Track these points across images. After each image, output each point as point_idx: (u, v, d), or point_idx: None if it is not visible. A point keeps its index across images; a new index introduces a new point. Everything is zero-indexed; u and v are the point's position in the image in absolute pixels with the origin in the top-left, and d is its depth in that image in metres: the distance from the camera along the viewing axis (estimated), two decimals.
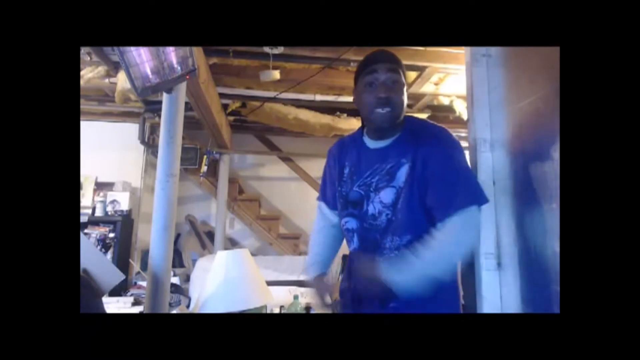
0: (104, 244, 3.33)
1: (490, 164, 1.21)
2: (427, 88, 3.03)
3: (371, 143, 1.16)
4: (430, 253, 0.98)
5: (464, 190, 1.02)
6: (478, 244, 1.07)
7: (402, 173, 1.07)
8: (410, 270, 0.98)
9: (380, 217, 1.08)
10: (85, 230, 3.31)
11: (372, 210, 1.10)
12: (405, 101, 1.11)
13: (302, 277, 1.38)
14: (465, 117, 2.99)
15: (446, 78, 2.98)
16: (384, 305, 1.06)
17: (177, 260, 3.75)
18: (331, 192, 1.26)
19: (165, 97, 1.73)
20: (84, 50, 2.44)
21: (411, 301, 1.00)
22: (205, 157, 3.76)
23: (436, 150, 1.06)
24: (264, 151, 4.44)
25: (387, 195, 1.08)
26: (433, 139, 1.09)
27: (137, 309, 2.50)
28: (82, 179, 3.62)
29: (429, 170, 1.04)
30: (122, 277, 1.40)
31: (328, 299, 1.14)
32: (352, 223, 1.14)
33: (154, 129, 3.67)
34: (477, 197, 1.02)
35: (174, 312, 2.02)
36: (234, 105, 3.40)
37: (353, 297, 1.15)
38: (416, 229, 1.05)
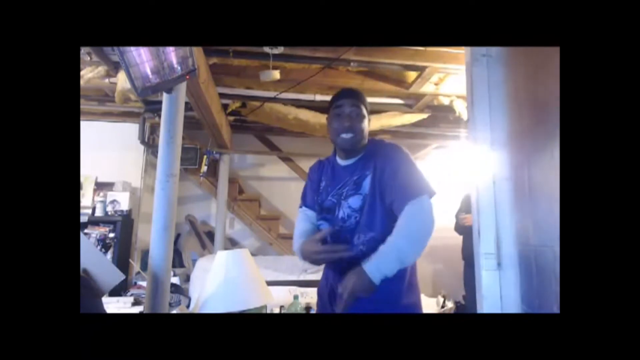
0: (104, 244, 3.32)
1: (490, 164, 1.21)
2: (427, 88, 3.03)
3: (341, 161, 1.39)
4: (392, 239, 1.16)
5: (414, 184, 1.23)
6: (432, 229, 1.19)
7: (367, 182, 1.29)
8: (380, 256, 1.14)
9: (350, 219, 1.29)
10: (85, 230, 3.30)
11: (342, 215, 1.30)
12: (367, 128, 1.35)
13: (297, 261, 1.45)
14: (465, 117, 2.99)
15: (446, 78, 2.98)
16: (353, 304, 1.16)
17: (177, 260, 3.75)
18: (311, 199, 1.46)
19: (165, 97, 1.73)
20: (84, 50, 2.44)
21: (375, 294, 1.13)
22: (205, 157, 3.76)
23: (389, 160, 1.28)
24: (264, 151, 4.44)
25: (355, 201, 1.29)
26: (387, 152, 1.32)
27: (137, 309, 2.50)
28: (82, 179, 3.62)
29: (385, 176, 1.26)
30: (122, 277, 1.40)
31: (318, 246, 1.25)
32: (324, 226, 1.35)
33: (154, 129, 3.67)
34: (425, 189, 1.23)
35: (174, 312, 2.02)
36: (234, 105, 3.40)
37: (330, 291, 1.31)
38: (378, 227, 1.24)
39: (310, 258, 1.25)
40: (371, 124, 1.40)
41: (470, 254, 2.59)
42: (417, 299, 1.31)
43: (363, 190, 1.28)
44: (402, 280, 1.24)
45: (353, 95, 1.36)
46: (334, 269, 1.31)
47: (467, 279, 2.98)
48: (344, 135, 1.31)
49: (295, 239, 1.41)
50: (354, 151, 1.35)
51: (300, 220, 1.46)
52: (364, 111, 1.35)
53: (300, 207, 1.50)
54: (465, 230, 3.01)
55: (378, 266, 1.12)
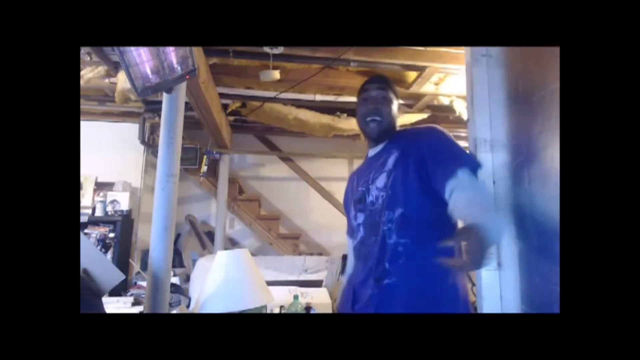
0: (104, 244, 3.32)
1: (490, 164, 1.21)
2: (427, 88, 3.03)
3: (370, 152, 1.34)
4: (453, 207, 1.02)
5: (455, 159, 1.09)
6: (484, 202, 1.03)
7: (392, 160, 1.20)
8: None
9: (377, 201, 1.19)
10: (85, 230, 3.30)
11: (370, 199, 1.22)
12: (395, 113, 1.30)
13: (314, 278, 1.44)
14: (465, 117, 2.99)
15: (446, 78, 2.98)
16: (378, 283, 1.11)
17: (177, 260, 3.74)
18: (350, 222, 1.34)
19: (165, 97, 1.73)
20: (84, 50, 2.43)
21: (404, 277, 1.08)
22: (205, 157, 3.76)
23: (424, 136, 1.21)
24: (264, 151, 4.44)
25: (380, 180, 1.20)
26: (421, 130, 1.27)
27: (137, 309, 2.50)
28: (82, 179, 3.62)
29: (418, 152, 1.15)
30: (122, 277, 1.40)
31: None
32: (360, 217, 1.25)
33: (154, 129, 3.67)
34: (470, 162, 1.10)
35: (174, 312, 2.02)
36: (234, 105, 3.40)
37: (355, 281, 1.23)
38: (407, 203, 1.12)
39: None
40: None
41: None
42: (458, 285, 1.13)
43: (387, 167, 1.20)
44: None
45: (380, 80, 1.33)
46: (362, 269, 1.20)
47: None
48: (369, 120, 1.26)
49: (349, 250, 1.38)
50: (382, 137, 1.28)
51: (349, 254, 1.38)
52: (391, 95, 1.30)
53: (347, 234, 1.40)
54: None
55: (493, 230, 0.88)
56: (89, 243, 1.86)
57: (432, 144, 1.16)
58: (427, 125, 1.28)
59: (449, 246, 1.04)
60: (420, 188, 1.11)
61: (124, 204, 3.56)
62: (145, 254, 3.55)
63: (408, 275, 1.08)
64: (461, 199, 1.00)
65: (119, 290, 2.78)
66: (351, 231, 1.33)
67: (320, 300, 2.18)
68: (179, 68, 1.46)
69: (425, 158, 1.12)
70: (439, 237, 0.93)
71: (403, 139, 1.25)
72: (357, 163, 2.11)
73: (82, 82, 2.69)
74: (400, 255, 1.09)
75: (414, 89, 3.01)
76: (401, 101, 3.41)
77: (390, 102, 1.29)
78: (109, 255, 3.30)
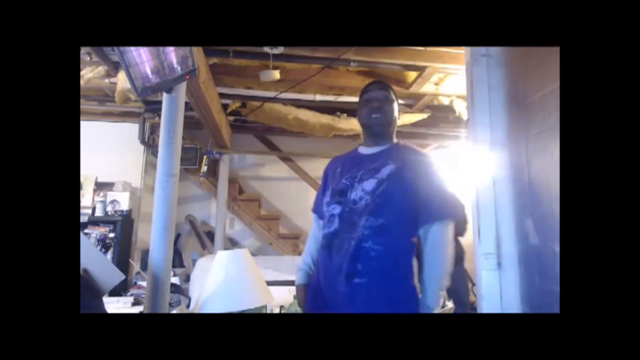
0: (104, 244, 3.32)
1: (490, 164, 1.21)
2: (427, 88, 3.03)
3: (364, 150, 1.39)
4: (433, 273, 1.22)
5: (448, 205, 1.25)
6: (448, 255, 1.22)
7: (387, 170, 1.28)
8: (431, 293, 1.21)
9: (361, 201, 1.26)
10: (85, 230, 3.30)
11: (354, 196, 1.28)
12: (396, 113, 1.38)
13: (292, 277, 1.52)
14: (465, 117, 2.99)
15: (446, 78, 2.97)
16: (349, 281, 1.21)
17: (177, 260, 3.74)
18: (319, 202, 1.45)
19: (165, 97, 1.73)
20: (84, 50, 2.43)
21: (373, 278, 1.20)
22: (205, 157, 3.75)
23: (423, 165, 1.30)
24: (264, 151, 4.44)
25: (369, 184, 1.27)
26: (422, 155, 1.33)
27: (137, 309, 2.50)
28: (82, 179, 3.61)
29: (414, 177, 1.26)
30: (122, 277, 1.40)
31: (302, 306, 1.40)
32: (337, 209, 1.32)
33: (154, 129, 3.67)
34: (455, 214, 1.27)
35: (174, 312, 2.02)
36: (234, 105, 3.40)
37: (324, 271, 1.32)
38: (390, 215, 1.23)
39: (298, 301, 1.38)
40: None
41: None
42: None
43: (381, 175, 1.27)
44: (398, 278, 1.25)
45: (381, 83, 1.42)
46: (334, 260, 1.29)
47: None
48: (374, 116, 1.33)
49: (309, 235, 1.49)
50: (382, 137, 1.36)
51: (311, 232, 1.51)
52: (393, 96, 1.39)
53: (312, 210, 1.52)
54: None
55: (433, 301, 1.19)
56: (89, 243, 1.86)
57: (428, 181, 1.27)
58: (427, 154, 1.36)
59: (410, 255, 1.25)
60: (405, 207, 1.24)
61: (124, 204, 3.55)
62: (145, 254, 3.55)
63: (377, 276, 1.20)
64: (427, 252, 1.23)
65: (119, 290, 2.78)
66: (320, 214, 1.43)
67: None
68: (179, 68, 1.46)
69: (418, 187, 1.25)
70: (407, 248, 1.23)
71: (402, 153, 1.32)
72: None
73: (82, 82, 2.69)
74: (372, 259, 1.21)
75: (414, 89, 3.01)
76: (401, 101, 3.42)
77: (392, 102, 1.37)
78: (109, 255, 3.30)
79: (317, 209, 1.47)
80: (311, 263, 1.46)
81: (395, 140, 1.41)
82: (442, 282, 1.19)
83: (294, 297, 1.96)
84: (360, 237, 1.22)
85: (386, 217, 1.23)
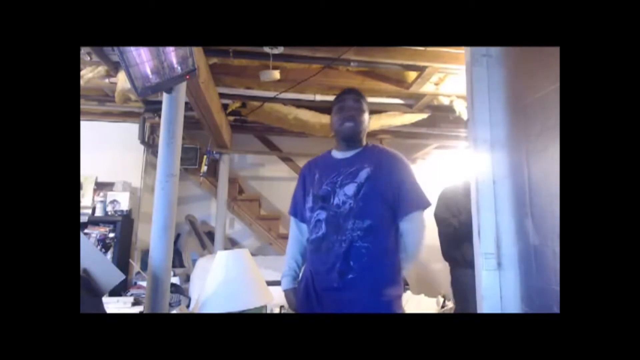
0: (104, 244, 3.32)
1: (490, 164, 1.21)
2: (427, 88, 3.03)
3: (337, 154, 1.50)
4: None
5: (419, 197, 1.42)
6: (422, 238, 1.43)
7: (364, 173, 1.39)
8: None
9: (344, 205, 1.37)
10: (85, 230, 3.30)
11: (337, 201, 1.39)
12: (366, 122, 1.49)
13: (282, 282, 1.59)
14: (465, 117, 2.99)
15: (446, 78, 2.97)
16: (342, 278, 1.33)
17: (177, 260, 3.74)
18: (301, 207, 1.54)
19: (165, 97, 1.73)
20: (84, 50, 2.43)
21: (365, 273, 1.32)
22: (205, 157, 3.75)
23: (395, 164, 1.43)
24: (264, 151, 4.43)
25: (350, 189, 1.38)
26: (391, 157, 1.46)
27: (137, 309, 2.50)
28: (82, 179, 3.61)
29: (388, 176, 1.39)
30: (122, 277, 1.40)
31: (295, 309, 1.49)
32: (321, 214, 1.42)
33: (154, 129, 3.66)
34: (426, 203, 1.43)
35: (174, 312, 2.02)
36: (234, 105, 3.40)
37: (315, 270, 1.41)
38: (374, 215, 1.35)
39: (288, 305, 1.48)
40: (371, 124, 1.46)
41: (454, 256, 2.53)
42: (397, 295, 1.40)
43: (359, 179, 1.39)
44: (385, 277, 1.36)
45: (354, 92, 1.51)
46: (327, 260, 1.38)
47: (454, 281, 2.56)
48: (347, 123, 1.44)
49: (289, 240, 1.59)
50: (353, 142, 1.47)
51: (291, 227, 1.60)
52: (364, 106, 1.49)
53: (289, 213, 1.62)
54: (447, 231, 2.54)
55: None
56: (89, 243, 1.86)
57: (401, 178, 1.41)
58: (396, 154, 1.49)
59: (396, 245, 1.41)
60: (385, 206, 1.38)
61: (124, 204, 3.55)
62: (145, 254, 3.55)
63: (368, 271, 1.32)
64: (406, 237, 1.41)
65: (119, 290, 2.78)
66: (302, 218, 1.54)
67: None
68: (179, 68, 1.46)
69: (393, 185, 1.39)
70: (392, 239, 1.39)
71: (375, 156, 1.44)
72: None
73: (82, 82, 2.69)
74: (363, 255, 1.33)
75: (414, 89, 3.01)
76: (401, 101, 3.42)
77: (363, 112, 1.48)
78: (109, 255, 3.30)
79: (297, 213, 1.57)
80: (296, 267, 1.56)
81: (364, 142, 1.51)
82: (414, 260, 1.42)
83: None
84: (351, 239, 1.34)
85: (371, 217, 1.35)
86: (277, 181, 4.56)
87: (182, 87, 1.78)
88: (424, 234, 1.43)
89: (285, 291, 1.53)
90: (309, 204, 1.47)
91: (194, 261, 3.55)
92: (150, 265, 1.65)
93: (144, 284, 2.61)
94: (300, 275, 1.55)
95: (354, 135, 1.46)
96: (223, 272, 1.56)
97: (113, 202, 3.54)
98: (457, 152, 4.13)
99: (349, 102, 1.47)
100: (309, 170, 1.57)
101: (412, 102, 3.41)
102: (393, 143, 4.01)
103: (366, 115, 1.50)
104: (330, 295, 1.34)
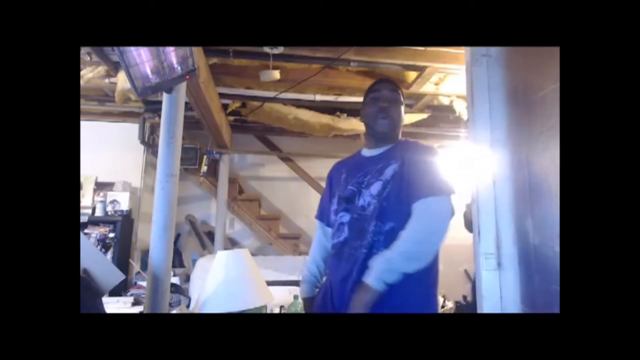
0: (104, 244, 3.32)
1: (490, 163, 1.21)
2: (427, 88, 3.03)
3: (367, 152, 1.36)
4: (397, 242, 1.12)
5: (426, 183, 1.18)
6: (442, 229, 1.16)
7: (390, 170, 1.24)
8: (382, 263, 1.11)
9: (369, 207, 1.23)
10: (85, 230, 3.30)
11: (362, 203, 1.25)
12: (403, 116, 1.35)
13: (299, 278, 1.50)
14: (465, 117, 2.99)
15: (446, 78, 2.97)
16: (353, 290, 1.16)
17: (177, 260, 3.74)
18: (327, 210, 1.40)
19: (165, 97, 1.73)
20: (84, 50, 2.43)
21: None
22: (205, 157, 3.75)
23: (422, 158, 1.24)
24: (264, 151, 4.44)
25: (375, 188, 1.24)
26: (421, 149, 1.29)
27: (137, 309, 2.50)
28: (82, 179, 3.61)
29: (411, 169, 1.21)
30: (122, 277, 1.40)
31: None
32: (345, 217, 1.28)
33: (154, 129, 3.67)
34: (437, 190, 1.18)
35: (174, 312, 2.02)
36: (234, 105, 3.40)
37: (333, 278, 1.27)
38: (400, 218, 1.16)
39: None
40: None
41: None
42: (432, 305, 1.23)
43: (384, 176, 1.23)
44: (417, 286, 1.17)
45: (391, 82, 1.36)
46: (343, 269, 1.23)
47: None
48: (381, 119, 1.29)
49: (313, 242, 1.46)
50: (387, 138, 1.32)
51: (316, 240, 1.46)
52: (401, 98, 1.34)
53: (316, 217, 1.49)
54: None
55: (380, 275, 1.10)
56: (89, 243, 1.86)
57: (422, 168, 1.21)
58: (427, 147, 1.31)
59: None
60: (410, 207, 1.17)
61: (124, 204, 3.56)
62: (145, 254, 3.55)
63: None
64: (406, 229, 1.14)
65: (119, 290, 2.77)
66: (327, 222, 1.39)
67: None
68: (179, 68, 1.46)
69: (414, 176, 1.20)
70: None
71: (403, 151, 1.28)
72: None
73: (82, 82, 2.69)
74: None
75: (414, 89, 3.01)
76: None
77: (400, 104, 1.34)
78: (109, 255, 3.30)
79: (323, 216, 1.43)
80: (317, 272, 1.42)
81: (399, 138, 1.36)
82: (411, 260, 1.11)
83: (295, 297, 1.96)
84: (370, 244, 1.18)
85: (394, 219, 1.17)
86: (277, 181, 4.56)
87: (182, 87, 1.78)
88: (434, 227, 1.14)
89: (304, 299, 1.41)
90: (334, 206, 1.33)
91: (194, 261, 3.55)
92: (150, 265, 1.65)
93: (144, 284, 2.61)
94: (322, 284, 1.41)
95: (389, 132, 1.31)
96: (223, 272, 1.56)
97: (113, 202, 3.54)
98: (457, 152, 4.14)
99: (384, 93, 1.31)
100: (336, 171, 1.42)
101: (412, 102, 3.41)
102: None
103: (402, 108, 1.34)
104: (346, 306, 1.14)
